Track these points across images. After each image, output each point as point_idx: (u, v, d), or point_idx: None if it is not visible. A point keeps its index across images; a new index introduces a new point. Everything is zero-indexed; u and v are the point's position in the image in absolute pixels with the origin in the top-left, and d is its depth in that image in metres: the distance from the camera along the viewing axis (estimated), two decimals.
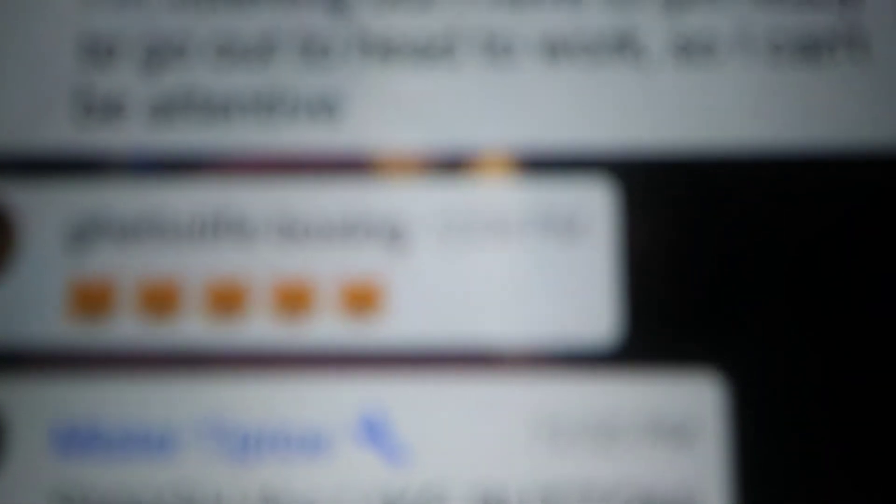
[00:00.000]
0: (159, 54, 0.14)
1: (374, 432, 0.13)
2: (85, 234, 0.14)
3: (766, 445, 0.13)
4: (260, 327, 0.14)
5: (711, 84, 0.14)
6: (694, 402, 0.13)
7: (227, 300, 0.14)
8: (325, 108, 0.14)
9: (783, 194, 0.14)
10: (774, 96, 0.14)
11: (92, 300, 0.14)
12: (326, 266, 0.14)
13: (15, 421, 0.13)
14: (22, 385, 0.14)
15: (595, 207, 0.14)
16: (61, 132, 0.14)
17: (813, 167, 0.14)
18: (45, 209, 0.14)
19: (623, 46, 0.14)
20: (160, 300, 0.14)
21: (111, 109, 0.14)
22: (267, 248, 0.14)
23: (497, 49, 0.14)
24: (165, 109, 0.14)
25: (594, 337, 0.14)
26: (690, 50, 0.14)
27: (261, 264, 0.14)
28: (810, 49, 0.14)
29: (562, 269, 0.14)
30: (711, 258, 0.14)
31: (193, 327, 0.14)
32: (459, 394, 0.13)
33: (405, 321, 0.14)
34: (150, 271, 0.14)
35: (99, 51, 0.14)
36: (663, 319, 0.14)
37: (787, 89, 0.14)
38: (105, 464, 0.13)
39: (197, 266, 0.14)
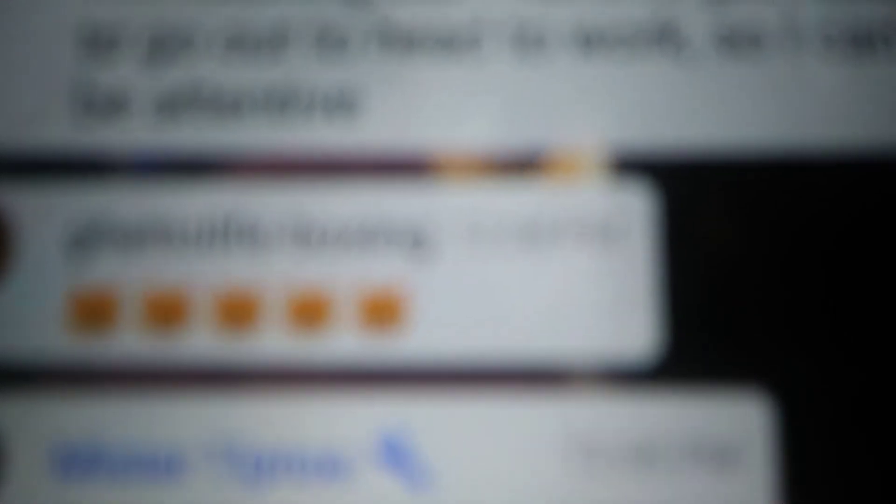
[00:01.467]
0: (165, 46, 0.13)
1: (396, 455, 0.13)
2: (86, 240, 0.13)
3: (816, 471, 0.13)
4: (273, 341, 0.13)
5: (758, 79, 0.13)
6: (739, 423, 0.13)
7: (239, 312, 0.13)
8: (343, 104, 0.13)
9: (838, 199, 0.13)
10: (826, 92, 0.13)
11: (94, 311, 0.13)
12: (345, 275, 0.13)
13: (13, 441, 0.13)
14: (20, 403, 0.13)
15: (633, 212, 0.13)
16: (60, 131, 0.13)
17: (869, 170, 0.13)
18: (43, 214, 0.13)
19: (663, 38, 0.13)
20: (167, 311, 0.13)
21: (113, 106, 0.13)
22: (281, 256, 0.13)
23: (527, 41, 0.13)
24: (171, 106, 0.13)
25: (632, 352, 0.13)
26: (735, 42, 0.13)
27: (274, 273, 0.13)
28: (864, 42, 0.13)
29: (597, 279, 0.13)
30: (759, 268, 0.13)
31: (202, 341, 0.13)
32: (487, 414, 0.13)
33: (429, 335, 0.13)
34: (156, 280, 0.13)
35: (100, 43, 0.14)
36: (707, 334, 0.13)
37: (840, 85, 0.13)
38: (109, 488, 0.13)
39: (206, 275, 0.13)
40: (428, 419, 0.13)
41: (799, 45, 0.13)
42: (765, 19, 0.13)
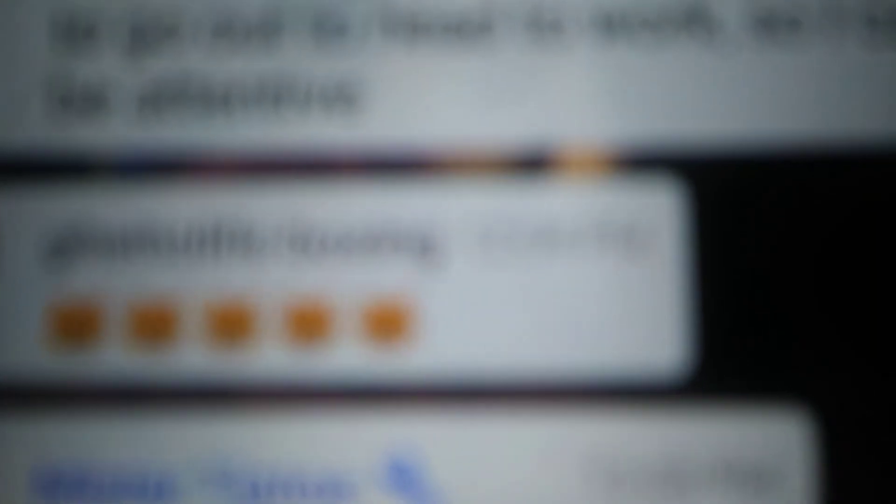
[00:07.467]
0: (147, 36, 0.13)
1: (404, 478, 0.12)
2: (66, 248, 0.13)
3: (858, 493, 0.12)
4: (270, 356, 0.13)
5: (797, 66, 0.13)
6: (776, 442, 0.12)
7: (232, 325, 0.13)
8: (343, 97, 0.13)
9: (886, 198, 0.12)
10: (871, 81, 0.13)
11: (76, 325, 0.13)
12: (346, 284, 0.13)
13: None
14: None
15: (661, 214, 0.13)
16: (35, 129, 0.13)
17: None
18: (18, 219, 0.13)
19: (693, 21, 0.13)
20: (155, 325, 0.13)
21: (93, 101, 0.13)
22: (277, 264, 0.13)
23: (543, 26, 0.13)
24: (156, 100, 0.13)
25: (660, 366, 0.12)
26: (773, 26, 0.13)
27: (271, 283, 0.13)
28: None
29: (621, 287, 0.13)
30: (798, 275, 0.13)
31: (193, 356, 0.13)
32: (502, 434, 0.12)
33: (438, 348, 0.13)
34: (143, 291, 0.13)
35: (77, 32, 0.13)
36: (740, 345, 0.12)
37: (887, 72, 0.13)
38: None
39: (196, 285, 0.13)
40: (437, 439, 0.12)
41: (842, 28, 0.13)
42: (805, 1, 0.13)
